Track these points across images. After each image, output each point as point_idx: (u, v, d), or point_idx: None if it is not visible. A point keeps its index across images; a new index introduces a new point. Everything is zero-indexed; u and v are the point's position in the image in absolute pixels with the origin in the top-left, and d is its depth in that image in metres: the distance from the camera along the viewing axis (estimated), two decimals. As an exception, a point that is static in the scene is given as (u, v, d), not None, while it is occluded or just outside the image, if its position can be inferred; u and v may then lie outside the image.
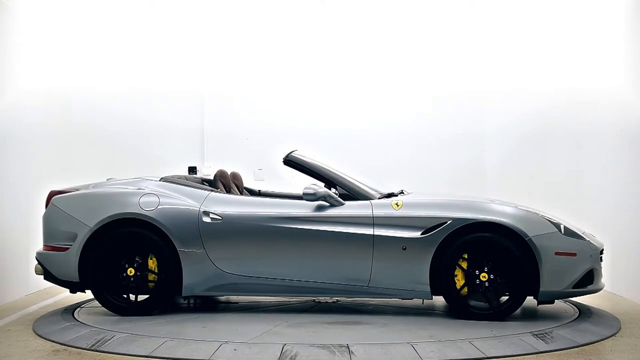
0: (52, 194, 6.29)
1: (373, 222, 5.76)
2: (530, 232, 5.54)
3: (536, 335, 5.11)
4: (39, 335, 5.44)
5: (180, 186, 6.18)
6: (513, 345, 4.85)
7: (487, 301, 5.61)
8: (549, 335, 5.13)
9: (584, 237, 5.72)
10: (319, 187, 5.86)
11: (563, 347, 4.89)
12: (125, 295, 6.02)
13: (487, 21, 9.15)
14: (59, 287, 7.97)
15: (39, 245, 7.50)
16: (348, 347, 4.77)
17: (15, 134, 7.43)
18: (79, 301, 6.78)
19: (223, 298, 6.92)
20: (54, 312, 6.26)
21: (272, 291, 5.91)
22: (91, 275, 5.97)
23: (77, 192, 6.28)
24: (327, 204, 5.85)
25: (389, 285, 5.73)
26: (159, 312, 6.05)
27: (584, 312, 5.97)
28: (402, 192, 6.47)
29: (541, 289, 5.53)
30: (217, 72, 9.15)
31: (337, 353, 4.64)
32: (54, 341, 5.22)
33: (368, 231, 5.73)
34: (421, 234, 5.66)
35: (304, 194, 5.83)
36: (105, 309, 6.05)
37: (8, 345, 5.17)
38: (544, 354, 4.73)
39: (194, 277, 5.89)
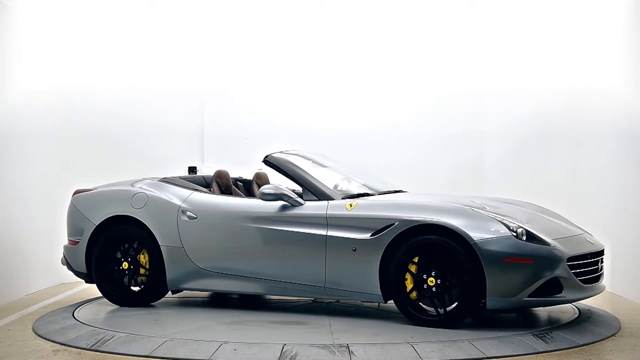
0: (75, 193, 6.86)
1: (327, 222, 5.73)
2: (476, 235, 5.20)
3: (536, 335, 5.10)
4: (39, 335, 5.44)
5: (171, 185, 6.50)
6: (513, 345, 4.85)
7: (433, 307, 5.33)
8: (549, 335, 5.13)
9: (548, 242, 5.25)
10: (277, 187, 5.93)
11: (563, 347, 4.89)
12: (122, 288, 6.45)
13: (487, 21, 9.15)
14: (58, 287, 8.06)
15: (39, 245, 7.55)
16: (348, 347, 4.77)
17: (14, 134, 7.43)
18: (78, 301, 6.80)
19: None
20: (54, 312, 6.26)
21: (245, 289, 6.08)
22: (94, 268, 6.50)
23: (90, 191, 6.78)
24: (288, 204, 5.90)
25: (342, 286, 5.67)
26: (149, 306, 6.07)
27: (584, 312, 5.96)
28: (398, 192, 6.47)
29: (488, 297, 5.15)
30: (217, 72, 9.14)
31: (337, 353, 4.64)
32: (54, 341, 5.22)
33: (322, 232, 5.73)
34: (370, 236, 5.53)
35: (262, 194, 5.93)
36: (105, 309, 6.27)
37: (8, 345, 5.17)
38: (544, 354, 4.73)
39: (175, 272, 6.24)
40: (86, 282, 6.69)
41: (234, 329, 5.42)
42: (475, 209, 5.48)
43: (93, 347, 4.96)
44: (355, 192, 6.18)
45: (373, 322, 5.59)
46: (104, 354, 4.83)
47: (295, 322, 5.70)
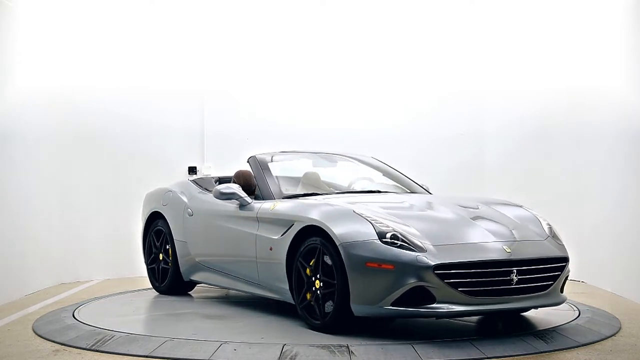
0: None
1: (258, 221, 5.83)
2: (343, 238, 4.92)
3: (536, 335, 5.11)
4: (39, 335, 5.43)
5: (193, 185, 7.00)
6: (513, 345, 4.85)
7: (318, 311, 5.15)
8: (549, 335, 5.12)
9: (414, 248, 4.80)
10: (228, 187, 6.08)
11: (563, 347, 4.88)
12: (158, 277, 7.14)
13: (487, 21, 9.16)
14: (58, 287, 8.08)
15: (39, 245, 7.55)
16: (348, 347, 4.77)
17: (15, 133, 7.43)
18: (79, 301, 6.80)
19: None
20: (54, 312, 6.26)
21: (221, 283, 6.41)
22: (145, 259, 7.33)
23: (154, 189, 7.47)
24: (239, 202, 6.09)
25: (269, 285, 5.72)
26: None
27: (584, 312, 5.97)
28: (376, 192, 6.40)
29: (352, 302, 4.88)
30: (217, 71, 9.15)
31: (337, 353, 4.64)
32: (54, 341, 5.22)
33: (254, 231, 5.84)
34: (280, 236, 5.49)
35: (217, 193, 6.10)
36: (105, 309, 6.36)
37: (8, 345, 5.17)
38: (543, 354, 4.73)
39: (185, 264, 6.79)
40: None
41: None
42: (359, 211, 5.11)
43: (93, 347, 4.95)
44: (312, 191, 6.18)
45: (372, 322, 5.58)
46: (104, 354, 4.82)
47: (295, 321, 5.70)
